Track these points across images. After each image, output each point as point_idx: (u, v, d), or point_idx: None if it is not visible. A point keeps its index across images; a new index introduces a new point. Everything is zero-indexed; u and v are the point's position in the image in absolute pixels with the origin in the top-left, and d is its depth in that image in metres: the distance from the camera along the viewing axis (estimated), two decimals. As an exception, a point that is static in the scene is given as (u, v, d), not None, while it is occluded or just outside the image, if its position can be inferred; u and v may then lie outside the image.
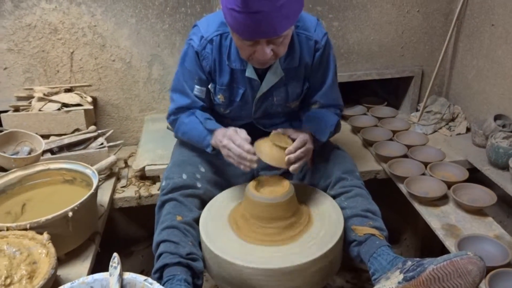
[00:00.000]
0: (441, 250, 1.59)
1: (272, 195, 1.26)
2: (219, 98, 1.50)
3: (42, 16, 1.89)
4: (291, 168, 1.28)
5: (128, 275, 0.99)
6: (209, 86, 1.48)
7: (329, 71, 1.51)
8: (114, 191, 1.78)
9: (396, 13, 2.13)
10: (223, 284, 1.29)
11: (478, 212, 1.50)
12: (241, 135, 1.32)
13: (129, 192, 1.78)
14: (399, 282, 1.10)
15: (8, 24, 1.89)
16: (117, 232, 2.21)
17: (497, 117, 1.87)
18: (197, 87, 1.46)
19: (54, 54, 1.97)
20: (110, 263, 0.99)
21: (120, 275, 0.98)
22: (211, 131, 1.41)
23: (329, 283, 2.01)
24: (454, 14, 2.11)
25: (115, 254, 1.01)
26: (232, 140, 1.30)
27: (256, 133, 1.64)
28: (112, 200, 1.73)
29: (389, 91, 2.50)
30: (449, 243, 1.36)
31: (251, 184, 1.30)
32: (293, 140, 1.32)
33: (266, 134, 1.63)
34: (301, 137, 1.32)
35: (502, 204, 1.84)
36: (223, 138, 1.33)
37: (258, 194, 1.27)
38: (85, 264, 1.35)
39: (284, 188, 1.29)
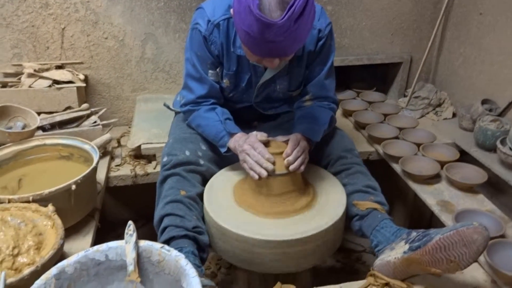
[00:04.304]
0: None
1: (278, 169, 1.28)
2: (225, 82, 1.48)
3: (33, -10, 1.84)
4: (291, 167, 1.27)
5: (144, 243, 0.98)
6: (217, 70, 1.46)
7: (327, 62, 1.50)
8: (109, 169, 1.75)
9: (387, -1, 2.17)
10: (228, 258, 1.30)
11: (470, 189, 1.56)
12: (261, 141, 1.31)
13: (125, 171, 1.76)
14: (404, 252, 1.13)
15: (-4, -4, 1.82)
16: (105, 213, 2.18)
17: (483, 102, 1.95)
18: (210, 71, 1.44)
19: (44, 29, 1.91)
20: (126, 231, 0.98)
21: (136, 242, 0.97)
22: (231, 134, 1.40)
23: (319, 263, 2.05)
24: (443, 2, 2.16)
25: (130, 222, 1.00)
26: (253, 147, 1.29)
27: (254, 115, 1.65)
28: (107, 178, 1.71)
29: (377, 78, 2.55)
30: (445, 218, 1.42)
31: None
32: (287, 143, 1.32)
33: (264, 116, 1.66)
34: (292, 137, 1.33)
35: (485, 185, 1.91)
36: (244, 143, 1.32)
37: None
38: (87, 239, 1.34)
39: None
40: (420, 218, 2.05)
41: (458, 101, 2.21)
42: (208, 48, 1.41)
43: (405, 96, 2.35)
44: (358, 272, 1.98)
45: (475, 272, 1.23)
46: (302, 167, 1.30)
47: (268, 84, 1.49)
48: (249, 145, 1.30)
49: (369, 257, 2.07)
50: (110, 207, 2.21)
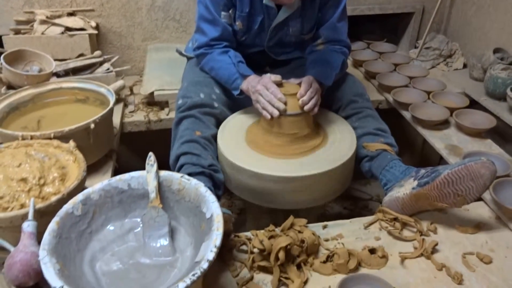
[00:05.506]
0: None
1: (290, 109, 1.30)
2: (238, 25, 1.48)
3: None
4: (306, 107, 1.29)
5: (165, 173, 1.03)
6: (230, 12, 1.46)
7: (340, 5, 1.49)
8: (123, 115, 1.79)
9: None
10: (242, 195, 1.35)
11: (478, 134, 1.58)
12: (274, 82, 1.33)
13: (138, 117, 1.80)
14: (413, 188, 1.17)
15: None
16: (120, 163, 2.24)
17: (495, 51, 1.94)
18: (223, 13, 1.44)
19: (54, -25, 1.91)
20: (147, 161, 1.03)
21: (157, 172, 1.01)
22: (244, 76, 1.42)
23: (327, 209, 2.11)
24: (459, -51, 2.12)
25: (150, 153, 1.04)
26: (266, 87, 1.31)
27: (266, 61, 1.66)
28: (122, 124, 1.75)
29: (387, 30, 2.52)
30: (453, 160, 1.45)
31: None
32: (299, 85, 1.33)
33: (276, 62, 1.66)
34: (305, 79, 1.34)
35: (494, 133, 1.94)
36: (257, 84, 1.33)
37: None
38: (106, 177, 1.39)
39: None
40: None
41: (469, 51, 2.19)
42: None
43: (416, 47, 2.34)
44: (365, 218, 2.04)
45: (480, 210, 1.27)
46: (316, 109, 1.32)
47: (281, 27, 1.50)
48: (263, 85, 1.32)
49: (376, 205, 2.12)
50: (125, 157, 2.25)
